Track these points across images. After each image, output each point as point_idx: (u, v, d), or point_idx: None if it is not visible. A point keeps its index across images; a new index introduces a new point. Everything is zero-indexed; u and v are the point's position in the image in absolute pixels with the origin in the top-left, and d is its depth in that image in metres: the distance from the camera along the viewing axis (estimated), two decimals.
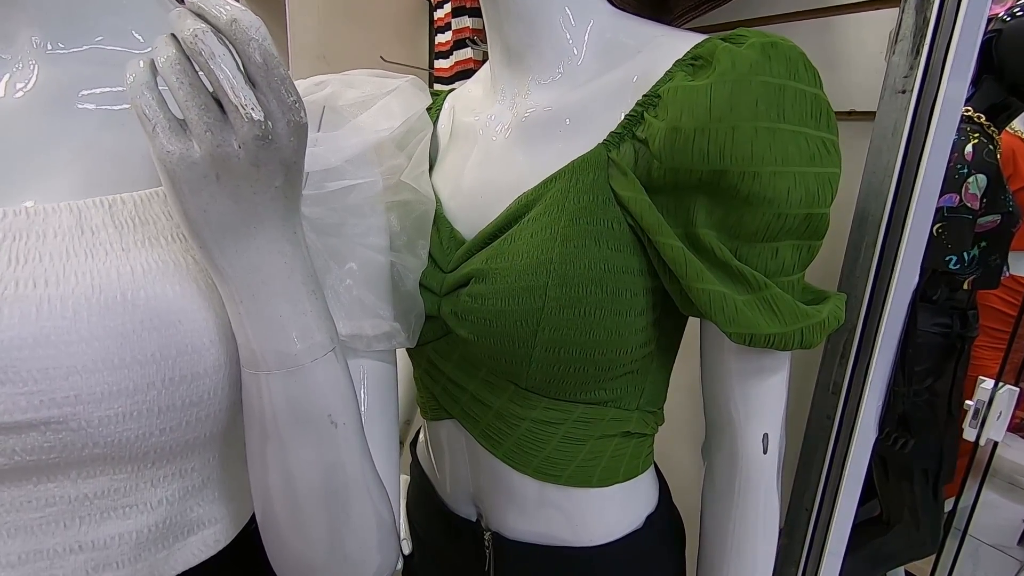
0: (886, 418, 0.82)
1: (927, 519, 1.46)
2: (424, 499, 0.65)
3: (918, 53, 0.57)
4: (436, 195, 0.57)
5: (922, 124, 0.57)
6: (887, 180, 0.60)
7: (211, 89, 0.29)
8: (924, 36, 0.57)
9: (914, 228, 0.59)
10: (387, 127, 0.46)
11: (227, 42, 0.29)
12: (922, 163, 0.57)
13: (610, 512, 0.55)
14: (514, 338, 0.46)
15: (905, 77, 0.59)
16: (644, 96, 0.46)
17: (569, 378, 0.47)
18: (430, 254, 0.54)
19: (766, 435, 0.51)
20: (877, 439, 0.71)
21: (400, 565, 0.74)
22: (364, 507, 0.40)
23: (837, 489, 0.69)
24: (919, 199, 0.58)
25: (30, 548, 0.34)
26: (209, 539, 0.40)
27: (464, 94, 0.64)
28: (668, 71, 0.46)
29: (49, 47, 0.38)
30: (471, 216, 0.53)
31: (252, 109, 0.28)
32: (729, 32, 0.45)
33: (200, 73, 0.29)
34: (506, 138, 0.54)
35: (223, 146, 0.29)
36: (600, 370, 0.47)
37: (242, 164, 0.29)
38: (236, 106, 0.28)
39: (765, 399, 0.50)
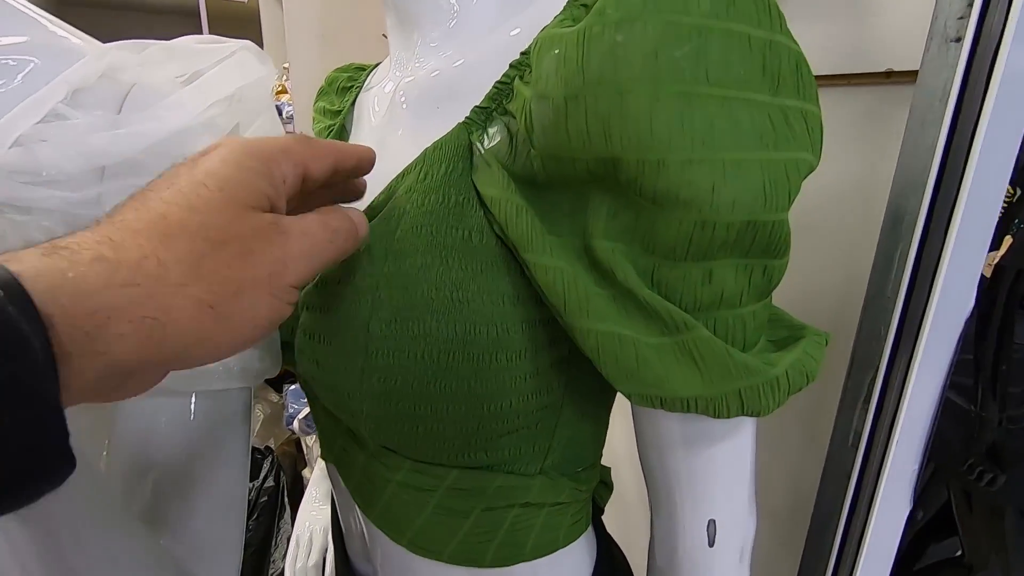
0: (971, 449, 0.67)
1: (1020, 568, 1.21)
2: (336, 546, 0.56)
3: None
4: None
5: (978, 84, 0.39)
6: (929, 164, 0.43)
7: None
8: None
9: (964, 228, 0.42)
10: (198, 107, 0.36)
11: None
12: (977, 138, 0.40)
13: None
14: (340, 388, 0.35)
15: (960, 19, 0.41)
16: (521, 53, 0.33)
17: (420, 439, 0.36)
18: None
19: (712, 522, 0.37)
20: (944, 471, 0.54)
21: None
22: None
23: (853, 568, 0.53)
24: (971, 187, 0.40)
25: None
26: None
27: (379, 68, 0.53)
28: (557, 15, 0.32)
29: None
30: None
31: None
32: None
33: None
34: (390, 118, 0.42)
35: None
36: (464, 430, 0.35)
37: None
38: None
39: (713, 476, 0.37)
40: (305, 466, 1.84)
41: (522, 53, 0.33)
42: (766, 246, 0.30)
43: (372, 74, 0.54)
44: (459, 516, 0.39)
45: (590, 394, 0.40)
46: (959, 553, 1.36)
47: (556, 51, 0.28)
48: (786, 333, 0.36)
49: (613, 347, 0.30)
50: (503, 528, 0.40)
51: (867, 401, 0.50)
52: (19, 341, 0.17)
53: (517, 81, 0.32)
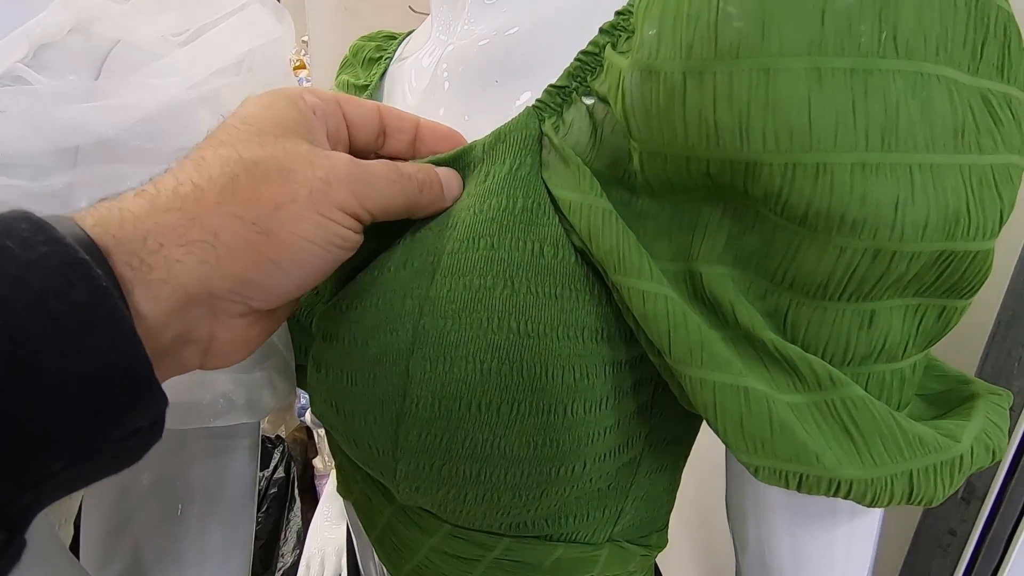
0: None
1: None
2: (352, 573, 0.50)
3: None
4: None
5: None
6: None
7: None
8: None
9: None
10: (197, 75, 0.28)
11: None
12: None
13: None
14: (368, 439, 0.27)
15: None
16: (616, 13, 0.25)
17: (468, 506, 0.28)
18: None
19: None
20: None
21: None
22: None
23: None
24: None
25: None
26: None
27: (413, 36, 0.45)
28: None
29: None
30: None
31: None
32: None
33: None
34: (430, 93, 0.34)
35: None
36: (524, 497, 0.27)
37: None
38: None
39: (832, 559, 0.29)
40: (316, 455, 1.79)
41: (617, 13, 0.25)
42: (956, 283, 0.22)
43: (405, 43, 0.46)
44: None
45: (671, 444, 0.32)
46: None
47: (673, 6, 0.20)
48: (941, 387, 0.28)
49: (737, 405, 0.22)
50: None
51: (970, 495, 0.42)
52: (82, 270, 0.17)
53: (609, 50, 0.24)
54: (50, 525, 0.27)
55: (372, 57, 0.49)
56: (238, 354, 0.23)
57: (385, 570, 0.40)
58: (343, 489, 0.40)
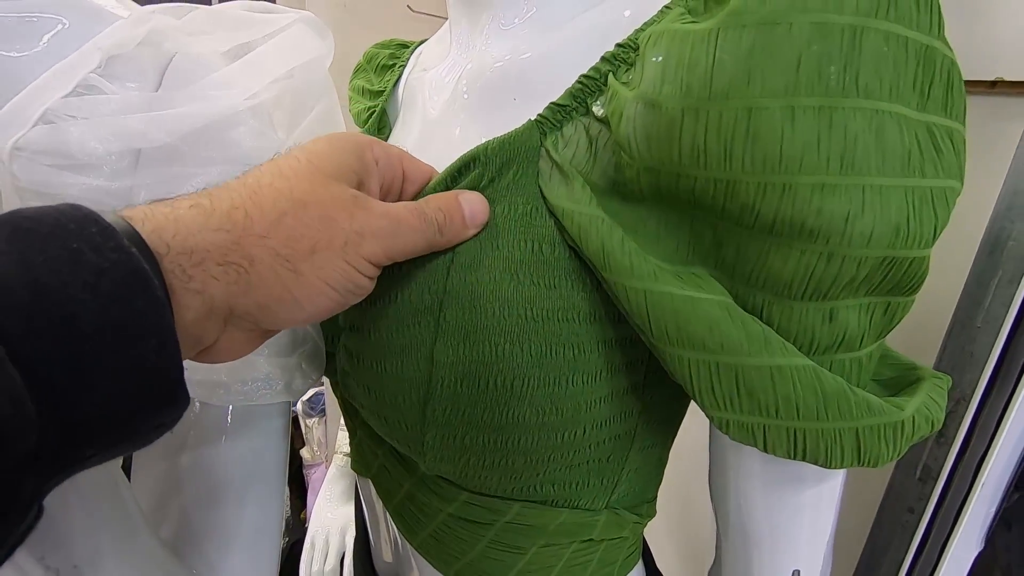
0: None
1: None
2: (360, 558, 0.53)
3: None
4: None
5: None
6: None
7: None
8: None
9: None
10: (250, 87, 0.32)
11: None
12: None
13: None
14: (397, 416, 0.31)
15: None
16: (617, 45, 0.29)
17: (486, 472, 0.32)
18: None
19: (797, 573, 0.34)
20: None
21: None
22: None
23: None
24: None
25: None
26: None
27: (427, 46, 0.48)
28: (666, 4, 0.28)
29: None
30: None
31: None
32: None
33: None
34: (450, 107, 0.38)
35: None
36: (534, 461, 0.31)
37: None
38: None
39: (800, 524, 0.33)
40: (303, 445, 1.81)
41: (618, 45, 0.29)
42: (901, 282, 0.26)
43: (418, 53, 0.49)
44: (515, 552, 0.36)
45: (662, 422, 0.37)
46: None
47: (676, 52, 0.24)
48: (894, 373, 0.32)
49: (708, 376, 0.26)
50: (560, 564, 0.37)
51: (943, 435, 0.47)
52: (143, 279, 0.18)
53: (612, 79, 0.28)
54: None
55: (386, 64, 0.52)
56: (228, 358, 0.25)
57: (399, 539, 0.43)
58: (360, 466, 0.44)
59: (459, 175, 0.31)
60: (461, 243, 0.30)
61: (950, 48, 0.25)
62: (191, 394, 0.32)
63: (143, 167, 0.31)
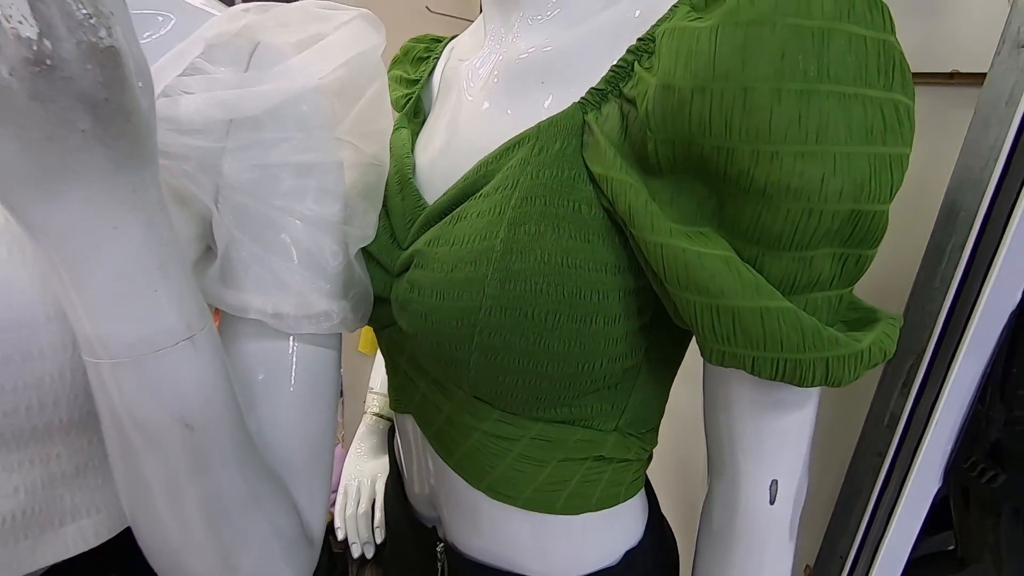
0: (974, 446, 0.71)
1: (1012, 563, 1.25)
2: (394, 492, 0.60)
3: None
4: (412, 157, 0.49)
5: None
6: (991, 163, 0.46)
7: None
8: None
9: (1022, 228, 0.45)
10: (320, 70, 0.38)
11: None
12: None
13: (581, 543, 0.46)
14: (449, 340, 0.38)
15: None
16: (638, 39, 0.35)
17: (518, 391, 0.38)
18: (390, 225, 0.46)
19: (775, 482, 0.40)
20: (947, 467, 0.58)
21: (370, 554, 0.70)
22: (252, 520, 0.34)
23: (880, 540, 0.56)
24: None
25: None
26: (87, 531, 0.36)
27: (462, 39, 0.55)
28: (674, 5, 0.34)
29: None
30: (441, 183, 0.45)
31: (20, 22, 0.21)
32: None
33: None
34: (486, 89, 0.44)
35: None
36: (557, 385, 0.38)
37: (18, 98, 0.23)
38: (0, 19, 0.21)
39: (779, 439, 0.40)
40: None
41: (639, 39, 0.35)
42: (864, 236, 0.32)
43: (451, 47, 0.56)
44: (538, 465, 0.43)
45: (662, 361, 0.43)
46: (952, 547, 1.41)
47: (688, 45, 0.31)
48: (858, 315, 0.39)
49: (711, 316, 0.33)
50: (575, 479, 0.44)
51: (907, 386, 0.53)
52: None
53: (638, 67, 0.34)
54: None
55: (421, 56, 0.59)
56: None
57: (431, 468, 0.50)
58: (400, 404, 0.51)
59: (516, 147, 0.37)
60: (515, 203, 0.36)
61: (897, 40, 0.31)
62: (273, 325, 0.38)
63: (233, 132, 0.38)
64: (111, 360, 0.28)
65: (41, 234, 0.26)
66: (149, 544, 0.34)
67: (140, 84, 0.26)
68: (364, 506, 0.70)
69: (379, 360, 0.80)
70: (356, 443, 0.76)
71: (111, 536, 0.37)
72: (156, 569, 0.35)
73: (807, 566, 0.70)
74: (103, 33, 0.23)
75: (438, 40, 0.60)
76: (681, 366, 0.46)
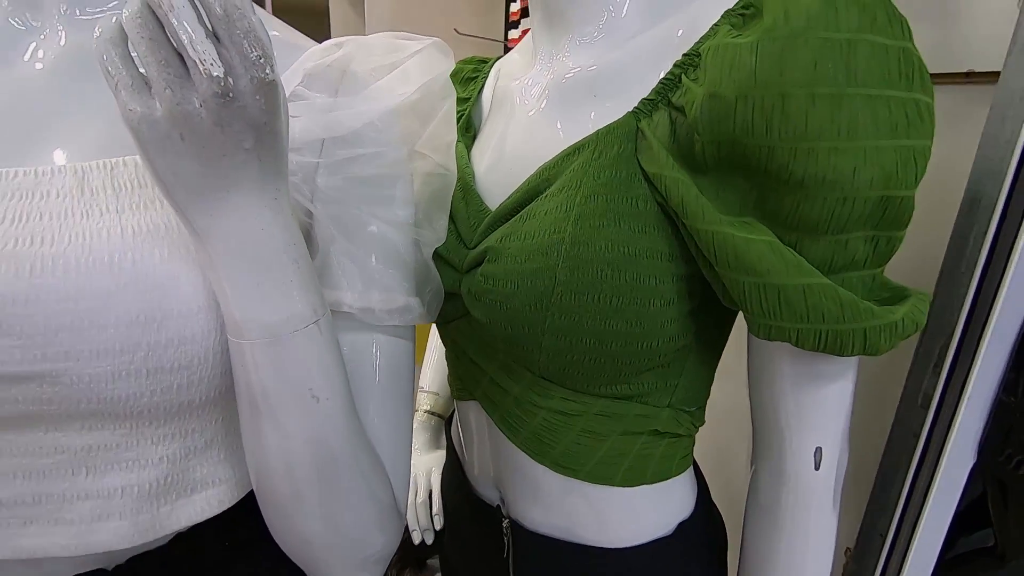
0: (1009, 439, 0.73)
1: None
2: (453, 478, 0.64)
3: None
4: (471, 167, 0.54)
5: None
6: (1008, 156, 0.49)
7: (176, 45, 0.28)
8: None
9: None
10: (402, 92, 0.44)
11: None
12: None
13: (637, 514, 0.50)
14: (523, 323, 0.43)
15: None
16: (684, 55, 0.40)
17: (584, 369, 0.43)
18: (455, 228, 0.51)
19: (819, 449, 0.44)
20: (983, 463, 0.60)
21: (431, 540, 0.75)
22: (355, 484, 0.39)
23: (918, 516, 0.59)
24: None
25: (41, 491, 0.36)
26: (213, 499, 0.41)
27: (509, 60, 0.60)
28: (715, 24, 0.39)
29: (77, 12, 0.39)
30: (500, 189, 0.50)
31: (211, 64, 0.27)
32: None
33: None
34: (539, 104, 0.50)
35: (183, 104, 0.28)
36: (619, 363, 0.42)
37: (204, 124, 0.28)
38: (195, 61, 0.27)
39: (821, 409, 0.44)
40: None
41: (685, 55, 0.40)
42: (893, 218, 0.36)
43: (498, 67, 0.62)
44: (599, 439, 0.47)
45: (709, 342, 0.48)
46: (992, 544, 1.40)
47: (731, 59, 0.35)
48: (889, 294, 0.43)
49: (759, 295, 0.37)
50: (633, 452, 0.48)
51: (938, 366, 0.57)
52: None
53: (685, 79, 0.39)
54: None
55: (470, 76, 0.65)
56: None
57: (497, 446, 0.54)
58: (463, 392, 0.55)
59: (575, 153, 0.42)
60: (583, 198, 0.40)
61: (915, 46, 0.36)
62: (361, 318, 0.43)
63: (327, 149, 0.43)
64: (257, 340, 0.33)
65: (205, 235, 0.32)
66: (267, 505, 0.39)
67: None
68: (422, 495, 0.75)
69: (428, 361, 0.85)
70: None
71: (231, 505, 0.42)
72: (271, 530, 0.40)
73: (847, 548, 0.73)
74: (268, 70, 0.29)
75: (484, 61, 0.66)
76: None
